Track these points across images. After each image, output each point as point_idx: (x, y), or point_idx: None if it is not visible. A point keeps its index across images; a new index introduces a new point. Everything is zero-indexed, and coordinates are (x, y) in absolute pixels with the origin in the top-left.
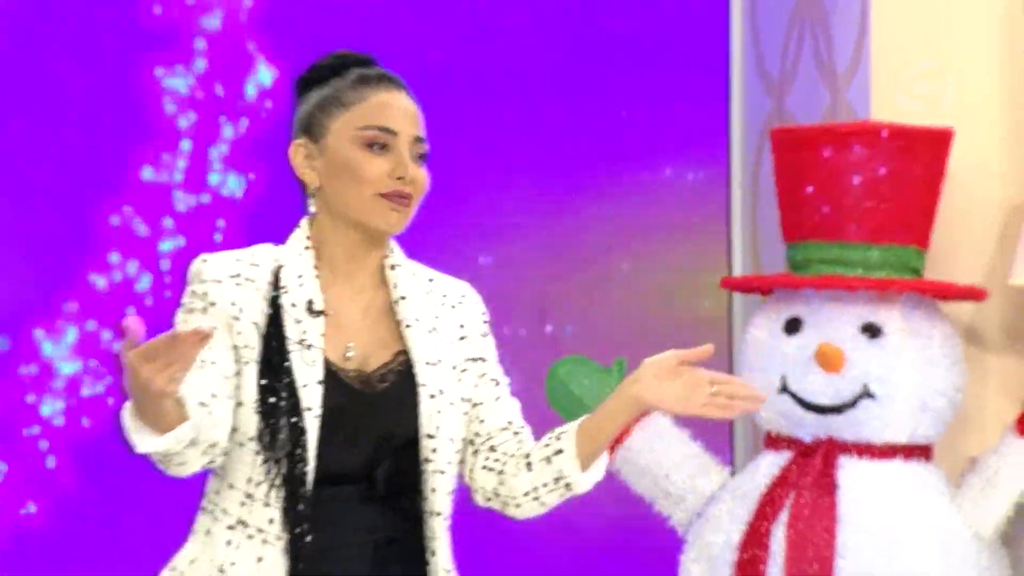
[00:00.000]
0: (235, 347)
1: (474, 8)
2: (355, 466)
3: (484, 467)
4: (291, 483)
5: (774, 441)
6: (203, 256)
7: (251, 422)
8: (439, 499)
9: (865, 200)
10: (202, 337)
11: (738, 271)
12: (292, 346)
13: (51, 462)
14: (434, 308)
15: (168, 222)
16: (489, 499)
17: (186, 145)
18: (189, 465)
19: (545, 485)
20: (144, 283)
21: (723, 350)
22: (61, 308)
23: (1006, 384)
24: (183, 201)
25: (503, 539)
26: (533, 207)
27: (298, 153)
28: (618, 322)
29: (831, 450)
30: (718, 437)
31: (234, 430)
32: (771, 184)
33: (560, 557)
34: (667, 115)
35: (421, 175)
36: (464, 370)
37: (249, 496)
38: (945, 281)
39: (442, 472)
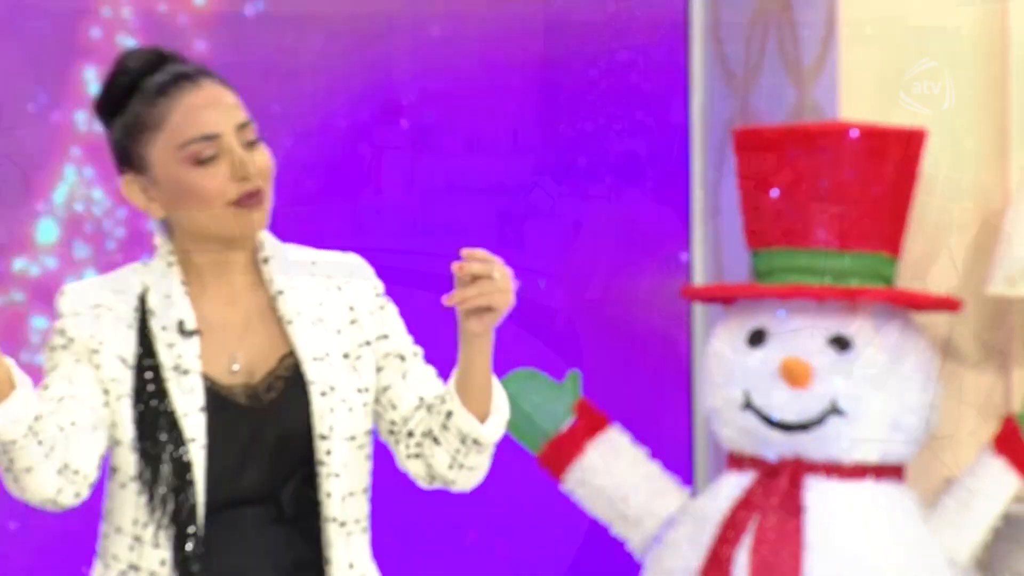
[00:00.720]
0: (101, 382)
1: None
2: (253, 489)
3: (409, 456)
4: (179, 522)
5: (737, 460)
6: (63, 288)
7: (130, 461)
8: (335, 504)
9: (833, 204)
10: None
11: (699, 280)
12: (168, 373)
13: None
14: (318, 294)
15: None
16: (430, 482)
17: None
18: (39, 476)
19: (458, 451)
20: None
21: (683, 363)
22: None
23: (982, 401)
24: None
25: None
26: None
27: (132, 190)
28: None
29: (797, 470)
30: (678, 456)
31: (115, 471)
32: (734, 188)
33: None
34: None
35: (262, 159)
36: (359, 357)
37: (137, 539)
38: (918, 290)
39: (336, 475)
